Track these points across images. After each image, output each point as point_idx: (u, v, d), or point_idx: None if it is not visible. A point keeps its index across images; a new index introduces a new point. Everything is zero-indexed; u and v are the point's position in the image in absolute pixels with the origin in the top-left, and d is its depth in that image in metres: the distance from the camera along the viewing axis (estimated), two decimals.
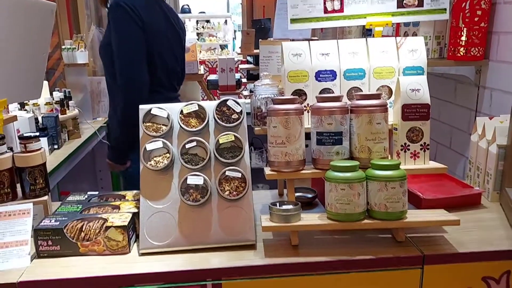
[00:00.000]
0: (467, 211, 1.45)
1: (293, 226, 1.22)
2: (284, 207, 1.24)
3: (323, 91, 1.43)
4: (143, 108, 1.33)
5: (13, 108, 2.11)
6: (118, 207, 1.35)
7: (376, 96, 1.31)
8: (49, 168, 2.02)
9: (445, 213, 1.28)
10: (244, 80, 3.34)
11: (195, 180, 1.25)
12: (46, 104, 2.32)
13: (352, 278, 1.19)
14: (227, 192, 1.25)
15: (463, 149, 2.16)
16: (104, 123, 2.88)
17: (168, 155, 1.29)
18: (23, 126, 1.88)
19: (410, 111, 1.34)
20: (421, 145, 1.35)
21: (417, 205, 1.47)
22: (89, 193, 1.47)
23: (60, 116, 2.35)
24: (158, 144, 1.28)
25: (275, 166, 1.31)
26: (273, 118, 1.29)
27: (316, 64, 1.42)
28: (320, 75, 1.42)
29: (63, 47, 2.68)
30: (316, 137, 1.31)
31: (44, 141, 2.14)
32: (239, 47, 3.34)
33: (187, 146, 1.28)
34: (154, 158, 1.29)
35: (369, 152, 1.29)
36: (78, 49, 2.68)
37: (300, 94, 1.43)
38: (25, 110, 2.20)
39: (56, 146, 2.26)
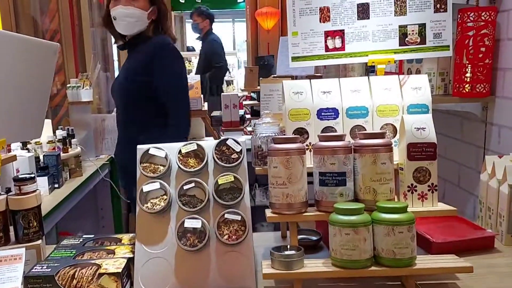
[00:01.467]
0: (480, 255, 1.38)
1: (296, 274, 1.16)
2: (286, 252, 1.18)
3: (326, 129, 1.40)
4: (141, 148, 1.30)
5: (15, 147, 2.09)
6: (113, 252, 1.29)
7: (381, 135, 1.27)
8: (48, 208, 1.98)
9: (457, 259, 1.21)
10: (248, 116, 3.33)
11: (193, 223, 1.20)
12: (49, 142, 2.31)
13: None
14: (226, 236, 1.20)
15: (472, 188, 2.09)
16: (107, 161, 2.85)
17: (165, 197, 1.25)
18: (23, 166, 1.86)
19: (416, 151, 1.29)
20: (428, 186, 1.30)
21: (426, 248, 1.40)
22: (84, 236, 1.42)
23: (62, 154, 2.33)
24: (155, 185, 1.24)
25: (276, 208, 1.26)
26: (274, 158, 1.25)
27: (318, 102, 1.40)
28: (322, 113, 1.39)
29: (68, 85, 2.70)
30: (319, 177, 1.26)
31: (44, 180, 2.11)
32: (243, 85, 3.37)
33: (185, 187, 1.24)
34: (151, 200, 1.25)
35: (375, 194, 1.24)
36: (83, 87, 2.70)
37: (301, 132, 1.39)
38: (27, 149, 2.18)
39: (56, 185, 2.23)
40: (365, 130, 1.39)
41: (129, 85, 1.97)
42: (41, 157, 2.18)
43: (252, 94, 3.39)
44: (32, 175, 1.29)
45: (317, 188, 1.27)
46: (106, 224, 3.08)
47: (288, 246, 1.22)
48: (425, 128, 1.30)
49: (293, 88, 1.40)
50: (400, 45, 1.59)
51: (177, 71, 1.93)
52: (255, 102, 3.23)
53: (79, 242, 1.38)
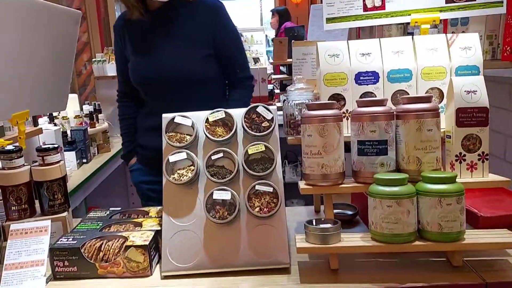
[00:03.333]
0: None
1: (333, 248, 1.08)
2: (322, 225, 1.10)
3: (364, 95, 1.29)
4: (166, 116, 1.23)
5: (42, 122, 2.08)
6: (140, 224, 1.24)
7: (426, 99, 1.15)
8: (77, 182, 1.96)
9: (509, 233, 1.09)
10: (277, 91, 3.23)
11: (222, 195, 1.13)
12: (75, 117, 2.29)
13: None
14: (257, 209, 1.12)
15: None
16: None
17: (192, 167, 1.18)
18: (50, 139, 1.84)
19: (466, 116, 1.17)
20: (479, 155, 1.18)
21: (472, 223, 1.28)
22: (111, 209, 1.37)
23: (89, 129, 2.31)
24: (182, 155, 1.17)
25: (310, 180, 1.17)
26: (308, 125, 1.16)
27: (356, 65, 1.28)
28: (360, 78, 1.28)
29: (93, 60, 2.66)
30: (357, 146, 1.16)
31: (72, 155, 2.09)
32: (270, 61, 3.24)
33: (213, 157, 1.16)
34: (178, 171, 1.18)
35: (419, 163, 1.13)
36: (108, 62, 2.65)
37: (338, 99, 1.29)
38: (54, 123, 2.16)
39: (84, 160, 2.21)
40: (408, 95, 1.28)
41: (195, 58, 1.60)
42: (69, 132, 2.16)
43: (281, 67, 3.27)
44: (56, 146, 1.25)
45: (355, 158, 1.17)
46: (136, 201, 3.07)
47: (323, 220, 1.14)
48: (476, 91, 1.17)
49: (329, 50, 1.29)
50: (446, 2, 1.45)
51: (234, 27, 1.72)
52: (285, 76, 3.12)
53: (105, 214, 1.33)
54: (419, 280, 1.04)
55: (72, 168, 2.05)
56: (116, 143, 2.64)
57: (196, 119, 1.22)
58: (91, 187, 2.12)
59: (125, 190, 3.06)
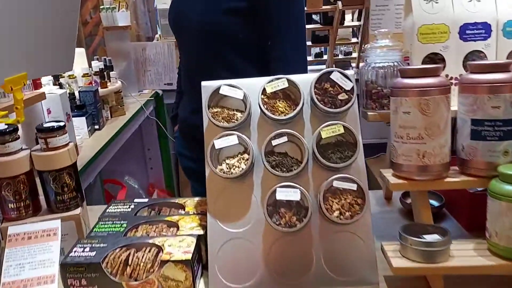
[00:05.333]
0: None
1: (441, 268, 0.80)
2: (428, 238, 0.81)
3: (470, 55, 0.96)
4: (207, 85, 0.92)
5: (46, 82, 1.77)
6: (176, 225, 0.97)
7: None
8: (90, 154, 1.69)
9: None
10: (308, 43, 2.85)
11: (288, 194, 0.84)
12: (84, 75, 1.97)
13: None
14: (336, 213, 0.83)
15: None
16: (151, 97, 2.51)
17: (246, 155, 0.88)
18: (55, 106, 1.54)
19: None
20: None
21: None
22: (136, 201, 1.10)
23: (100, 90, 2.00)
24: (233, 139, 0.87)
25: (403, 172, 0.88)
26: (404, 99, 0.84)
27: (461, 14, 0.95)
28: (466, 31, 0.95)
29: (101, 7, 2.30)
30: (471, 127, 0.85)
31: (82, 121, 1.80)
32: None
33: (275, 142, 0.87)
34: (227, 161, 0.89)
35: None
36: (118, 10, 2.29)
37: (434, 60, 0.96)
38: (59, 84, 1.86)
39: (97, 127, 1.92)
40: None
41: (217, 7, 1.18)
42: (77, 94, 1.86)
43: (313, 16, 2.87)
44: (62, 124, 0.95)
45: (466, 142, 0.87)
46: (154, 165, 2.82)
47: (424, 227, 0.85)
48: None
49: None
50: None
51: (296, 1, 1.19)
52: (317, 25, 2.73)
53: (130, 209, 1.06)
54: None
55: (83, 137, 1.77)
56: (132, 104, 2.34)
57: (248, 90, 0.90)
58: (106, 158, 1.85)
59: (142, 154, 2.80)
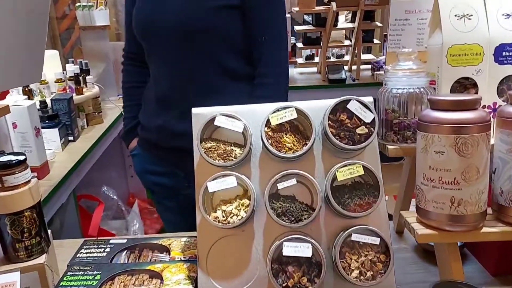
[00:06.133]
0: None
1: None
2: None
3: (506, 80, 0.83)
4: (200, 114, 0.77)
5: (15, 88, 1.58)
6: (159, 276, 0.81)
7: None
8: (63, 171, 1.51)
9: None
10: (299, 45, 2.70)
11: (297, 249, 0.69)
12: (57, 81, 1.79)
13: None
14: (355, 273, 0.69)
15: None
16: None
17: (246, 201, 0.73)
18: (22, 119, 1.36)
19: None
20: None
21: None
22: (112, 241, 0.94)
23: (75, 96, 1.81)
24: (230, 181, 0.72)
25: (433, 221, 0.74)
26: (437, 136, 0.71)
27: (497, 32, 0.81)
28: (503, 53, 0.81)
29: (77, 4, 2.10)
30: None
31: (54, 133, 1.62)
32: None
33: (281, 185, 0.72)
34: (223, 207, 0.73)
35: None
36: (96, 7, 2.10)
37: (465, 85, 0.82)
38: (29, 91, 1.67)
39: (71, 138, 1.74)
40: None
41: (207, 5, 1.09)
42: (49, 102, 1.67)
43: (305, 17, 2.72)
44: (22, 158, 0.78)
45: (506, 186, 0.73)
46: (134, 174, 2.63)
47: (460, 285, 0.72)
48: None
49: (456, 8, 0.81)
50: None
51: (278, 5, 1.17)
52: (310, 27, 2.58)
53: (105, 253, 0.90)
54: None
55: (55, 151, 1.59)
56: (110, 110, 2.16)
57: (249, 120, 0.75)
58: (81, 173, 1.67)
59: (122, 161, 2.61)
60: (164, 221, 1.40)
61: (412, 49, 0.83)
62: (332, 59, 3.01)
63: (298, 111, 0.74)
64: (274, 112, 0.74)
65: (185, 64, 1.15)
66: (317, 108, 0.76)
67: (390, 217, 1.13)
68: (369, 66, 2.84)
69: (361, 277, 0.69)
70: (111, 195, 2.33)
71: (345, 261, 0.70)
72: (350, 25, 2.75)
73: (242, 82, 1.13)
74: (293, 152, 0.73)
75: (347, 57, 3.00)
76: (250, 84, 1.13)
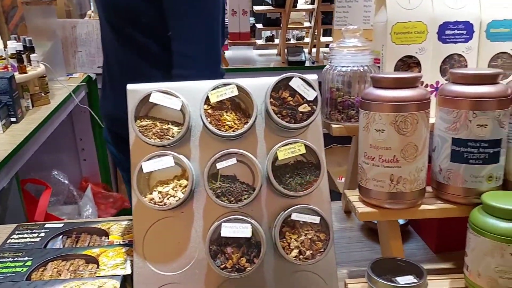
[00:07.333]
0: None
1: None
2: (401, 280, 0.68)
3: (449, 59, 0.83)
4: (134, 89, 0.73)
5: None
6: (96, 261, 0.78)
7: None
8: (3, 154, 1.42)
9: None
10: (259, 25, 2.66)
11: (236, 230, 0.67)
12: None
13: None
14: (295, 252, 0.68)
15: None
16: (82, 81, 2.23)
17: (184, 181, 0.70)
18: None
19: None
20: None
21: None
22: (48, 225, 0.89)
23: (17, 75, 1.71)
24: (167, 161, 0.69)
25: (374, 199, 0.74)
26: (378, 115, 0.70)
27: (442, 10, 0.81)
28: (446, 31, 0.81)
29: None
30: (452, 147, 0.73)
31: None
32: None
33: (220, 165, 0.69)
34: (159, 188, 0.70)
35: None
36: None
37: (409, 64, 0.82)
38: None
39: (13, 119, 1.65)
40: None
41: None
42: None
43: None
44: None
45: (445, 164, 0.74)
46: (87, 157, 2.55)
47: (395, 262, 0.72)
48: None
49: None
50: None
51: None
52: (269, 7, 2.55)
53: (38, 238, 0.85)
54: None
55: None
56: (59, 91, 2.05)
57: (188, 97, 0.72)
58: (25, 155, 1.58)
59: (74, 144, 2.51)
60: (129, 196, 1.34)
61: (358, 27, 0.81)
62: (293, 41, 2.99)
63: (239, 88, 0.71)
64: (213, 89, 0.71)
65: (111, 43, 1.09)
66: (260, 86, 0.74)
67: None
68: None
69: (300, 256, 0.68)
70: (62, 179, 2.24)
71: (285, 241, 0.69)
72: (310, 6, 2.73)
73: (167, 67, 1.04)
74: (233, 131, 0.70)
75: (307, 39, 2.98)
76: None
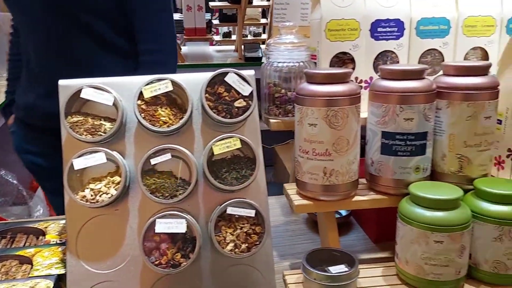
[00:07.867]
0: None
1: None
2: (334, 269, 0.71)
3: (382, 55, 0.86)
4: (66, 85, 0.71)
5: None
6: (30, 262, 0.76)
7: (482, 70, 0.76)
8: None
9: None
10: (215, 21, 2.65)
11: (171, 226, 0.67)
12: None
13: None
14: (230, 246, 0.69)
15: None
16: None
17: (117, 178, 0.69)
18: None
19: None
20: None
21: None
22: None
23: None
24: (99, 158, 0.68)
25: (309, 191, 0.76)
26: (310, 109, 0.72)
27: (373, 9, 0.84)
28: (378, 28, 0.84)
29: None
30: (382, 140, 0.75)
31: None
32: None
33: (154, 161, 0.69)
34: (91, 185, 0.69)
35: (467, 166, 0.77)
36: None
37: (343, 60, 0.85)
38: None
39: None
40: (443, 56, 0.88)
41: None
42: None
43: None
44: None
45: (376, 156, 0.77)
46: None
47: (330, 252, 0.75)
48: None
49: None
50: None
51: None
52: (226, 3, 2.54)
53: None
54: None
55: None
56: (1, 88, 1.97)
57: (121, 92, 0.71)
58: None
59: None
60: (53, 206, 1.31)
61: (294, 23, 0.83)
62: (250, 37, 2.99)
63: (174, 83, 0.71)
64: (147, 84, 0.70)
65: (52, 35, 1.05)
66: (196, 81, 0.74)
67: None
68: None
69: (236, 250, 0.69)
70: (10, 179, 2.16)
71: (220, 235, 0.69)
72: (266, 2, 2.74)
73: (129, 60, 1.06)
74: (168, 126, 0.70)
75: (264, 36, 3.00)
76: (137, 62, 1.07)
